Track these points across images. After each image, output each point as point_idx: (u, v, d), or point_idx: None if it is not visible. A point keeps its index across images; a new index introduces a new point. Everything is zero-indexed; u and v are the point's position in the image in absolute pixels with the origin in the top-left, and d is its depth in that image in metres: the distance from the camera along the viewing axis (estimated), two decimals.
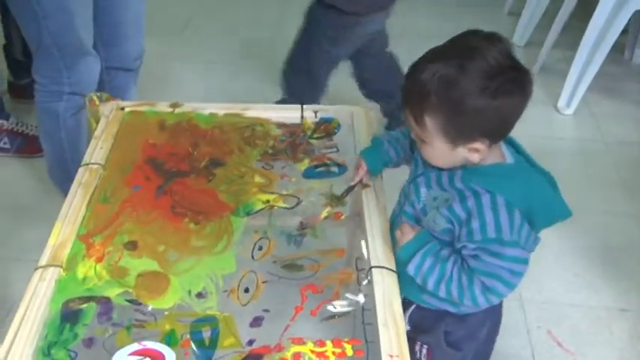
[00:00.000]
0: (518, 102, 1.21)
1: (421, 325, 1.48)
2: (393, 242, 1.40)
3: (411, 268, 1.32)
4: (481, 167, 1.28)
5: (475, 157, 1.26)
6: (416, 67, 1.24)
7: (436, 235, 1.34)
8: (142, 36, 2.33)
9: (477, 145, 1.24)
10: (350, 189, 1.55)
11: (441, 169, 1.34)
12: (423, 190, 1.37)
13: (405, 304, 1.37)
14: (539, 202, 1.27)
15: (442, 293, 1.32)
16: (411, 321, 1.48)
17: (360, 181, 1.55)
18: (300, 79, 2.55)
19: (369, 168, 1.54)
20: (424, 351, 1.52)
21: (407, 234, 1.35)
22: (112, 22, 2.20)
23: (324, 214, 1.53)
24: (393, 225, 1.45)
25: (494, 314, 1.51)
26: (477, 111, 1.18)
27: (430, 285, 1.32)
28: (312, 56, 2.46)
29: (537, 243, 1.31)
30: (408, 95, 1.26)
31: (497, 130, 1.25)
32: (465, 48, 1.20)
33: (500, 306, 1.53)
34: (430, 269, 1.31)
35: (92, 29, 2.10)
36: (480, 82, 1.16)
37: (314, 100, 2.48)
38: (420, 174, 1.39)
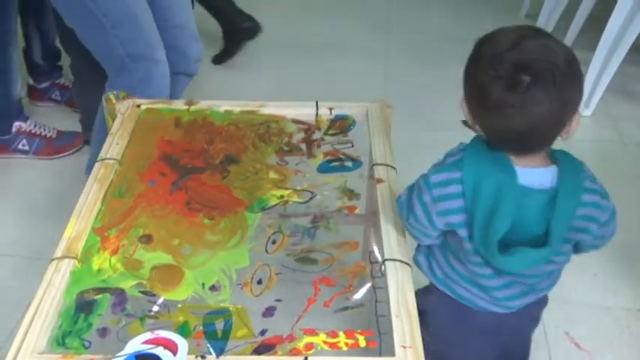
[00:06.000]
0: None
1: None
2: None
3: None
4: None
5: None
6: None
7: None
8: (198, 38, 2.28)
9: (464, 107, 1.26)
10: None
11: None
12: None
13: None
14: None
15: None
16: None
17: None
18: None
19: None
20: None
21: None
22: (172, 25, 2.15)
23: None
24: None
25: (449, 308, 1.41)
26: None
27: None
28: None
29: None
30: None
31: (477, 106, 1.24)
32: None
33: (468, 310, 1.41)
34: None
35: (158, 34, 2.05)
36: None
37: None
38: None
